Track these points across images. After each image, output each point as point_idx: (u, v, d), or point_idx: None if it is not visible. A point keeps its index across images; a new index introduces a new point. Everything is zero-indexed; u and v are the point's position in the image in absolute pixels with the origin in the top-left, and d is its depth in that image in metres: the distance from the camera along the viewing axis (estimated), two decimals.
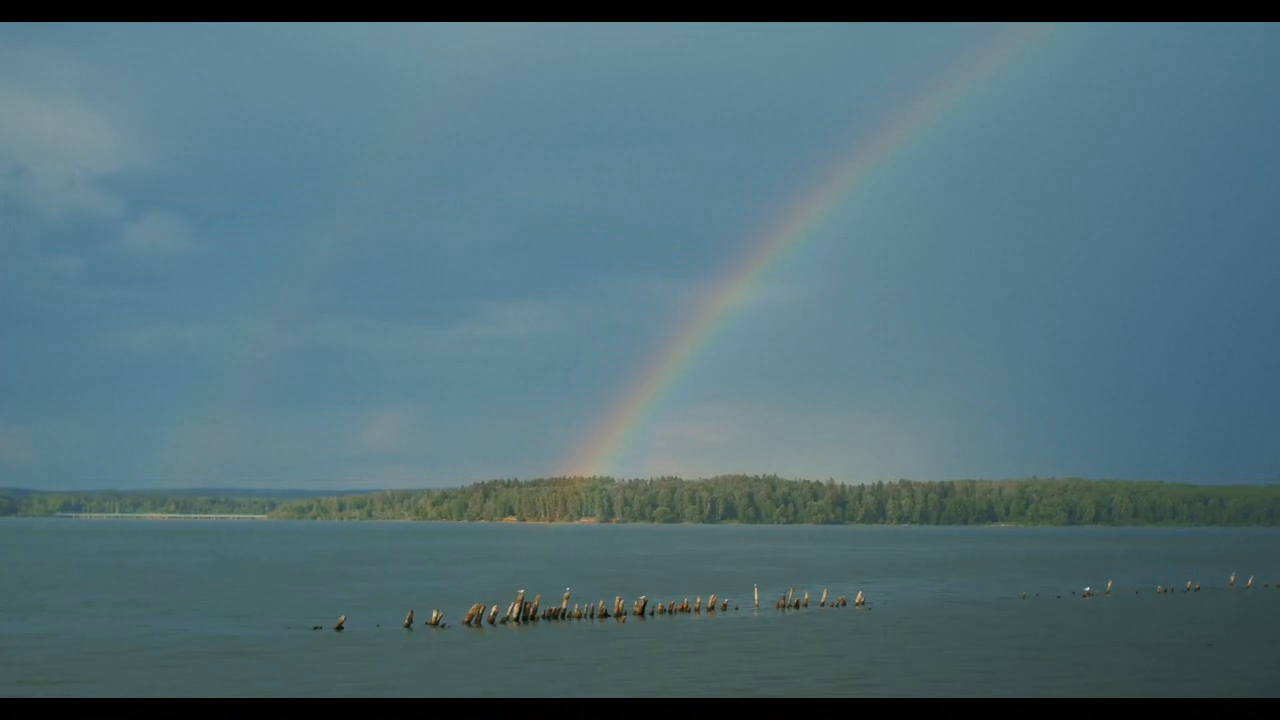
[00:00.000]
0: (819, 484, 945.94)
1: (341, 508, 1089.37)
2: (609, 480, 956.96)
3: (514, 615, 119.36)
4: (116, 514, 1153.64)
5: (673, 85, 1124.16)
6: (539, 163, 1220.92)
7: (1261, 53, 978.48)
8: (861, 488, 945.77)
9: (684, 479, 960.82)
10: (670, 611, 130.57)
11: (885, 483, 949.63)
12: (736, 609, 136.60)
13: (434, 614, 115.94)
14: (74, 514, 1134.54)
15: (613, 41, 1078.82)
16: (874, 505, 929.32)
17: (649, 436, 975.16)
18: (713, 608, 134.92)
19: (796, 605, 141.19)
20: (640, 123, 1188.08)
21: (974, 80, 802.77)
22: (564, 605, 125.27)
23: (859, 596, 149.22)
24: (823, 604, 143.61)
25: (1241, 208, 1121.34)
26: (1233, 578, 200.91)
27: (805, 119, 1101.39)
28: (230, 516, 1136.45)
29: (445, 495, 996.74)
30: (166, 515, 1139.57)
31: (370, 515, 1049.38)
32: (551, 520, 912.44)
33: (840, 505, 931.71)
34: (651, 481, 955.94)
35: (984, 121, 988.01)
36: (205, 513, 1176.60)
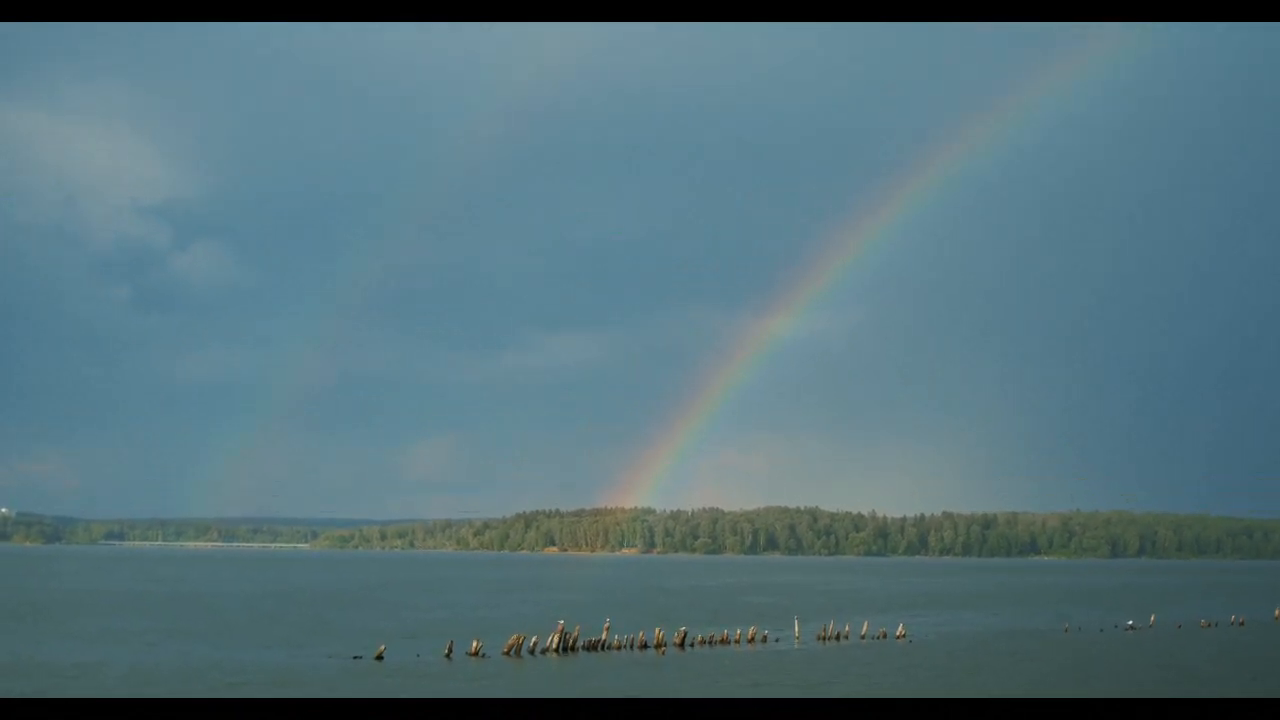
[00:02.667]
0: (861, 515, 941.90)
1: (383, 537, 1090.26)
2: (650, 511, 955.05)
3: (554, 645, 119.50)
4: (160, 542, 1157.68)
5: (720, 112, 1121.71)
6: (586, 191, 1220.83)
7: None
8: (904, 519, 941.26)
9: (725, 510, 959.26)
10: (710, 643, 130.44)
11: (927, 514, 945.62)
12: (777, 641, 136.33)
13: (474, 644, 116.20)
14: (117, 542, 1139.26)
15: (659, 66, 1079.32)
16: (916, 537, 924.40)
17: (691, 467, 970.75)
18: (753, 639, 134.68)
19: (837, 637, 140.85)
20: (682, 149, 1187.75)
21: (1006, 96, 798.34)
22: (604, 636, 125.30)
23: (900, 629, 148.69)
24: (863, 636, 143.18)
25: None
26: (1278, 612, 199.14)
27: (848, 144, 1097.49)
28: (272, 546, 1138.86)
29: (487, 525, 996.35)
30: (209, 544, 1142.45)
31: (412, 545, 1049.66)
32: (593, 551, 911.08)
33: (882, 537, 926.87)
34: (693, 512, 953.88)
35: (1012, 139, 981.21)
36: (248, 541, 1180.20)
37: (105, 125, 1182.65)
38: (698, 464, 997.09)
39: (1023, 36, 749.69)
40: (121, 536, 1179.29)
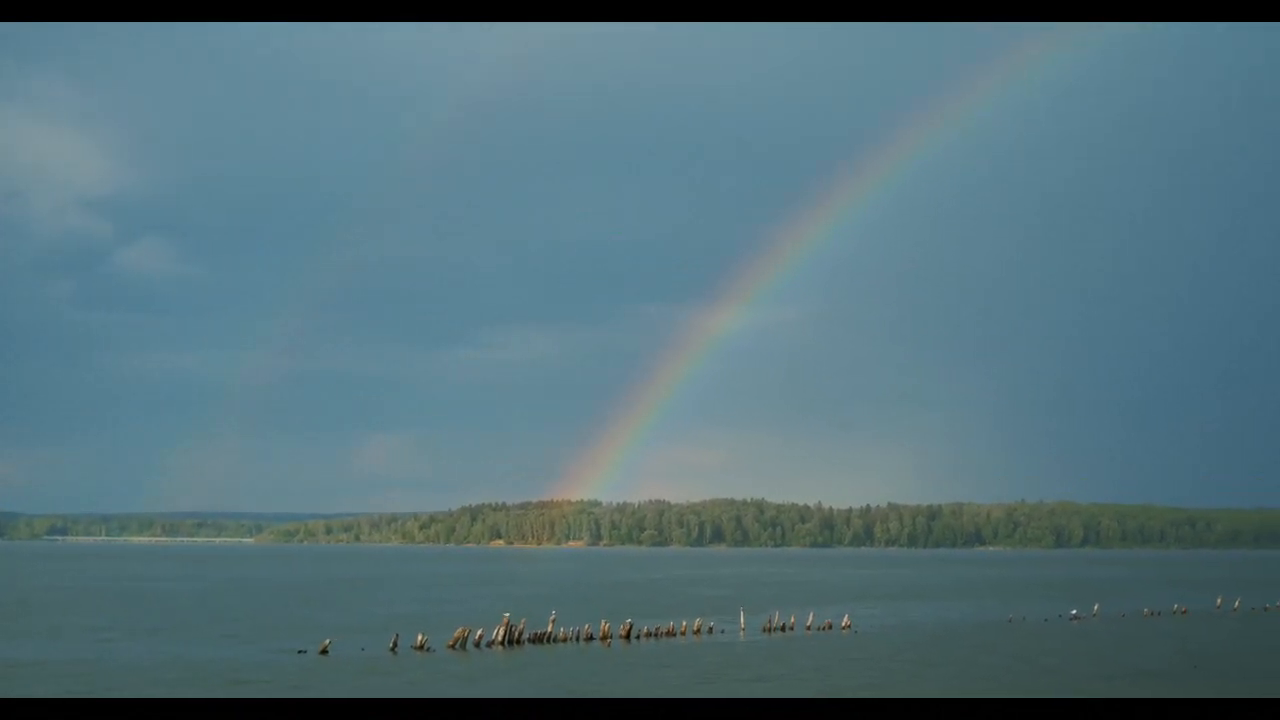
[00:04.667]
0: (806, 507, 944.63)
1: (329, 531, 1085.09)
2: (596, 504, 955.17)
3: (499, 639, 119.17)
4: (103, 537, 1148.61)
5: (672, 104, 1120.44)
6: (541, 189, 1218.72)
7: None
8: (849, 511, 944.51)
9: (671, 502, 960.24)
10: (656, 635, 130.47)
11: (873, 506, 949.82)
12: (723, 633, 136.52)
13: (419, 637, 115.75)
14: (60, 537, 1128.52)
15: (614, 64, 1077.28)
16: (861, 529, 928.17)
17: (639, 460, 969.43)
18: (699, 631, 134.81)
19: (783, 629, 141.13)
20: (639, 146, 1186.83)
21: (975, 91, 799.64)
22: (550, 629, 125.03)
23: (845, 620, 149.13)
24: (809, 628, 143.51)
25: (1246, 231, 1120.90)
26: (1219, 601, 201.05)
27: (810, 134, 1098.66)
28: (216, 540, 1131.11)
29: (433, 519, 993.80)
30: (152, 539, 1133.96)
31: (357, 539, 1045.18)
32: (539, 544, 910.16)
33: (828, 529, 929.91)
34: (639, 505, 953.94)
35: (985, 136, 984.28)
36: (192, 536, 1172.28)
37: (49, 119, 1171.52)
38: (646, 458, 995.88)
39: (1011, 34, 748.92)
40: (64, 532, 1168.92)
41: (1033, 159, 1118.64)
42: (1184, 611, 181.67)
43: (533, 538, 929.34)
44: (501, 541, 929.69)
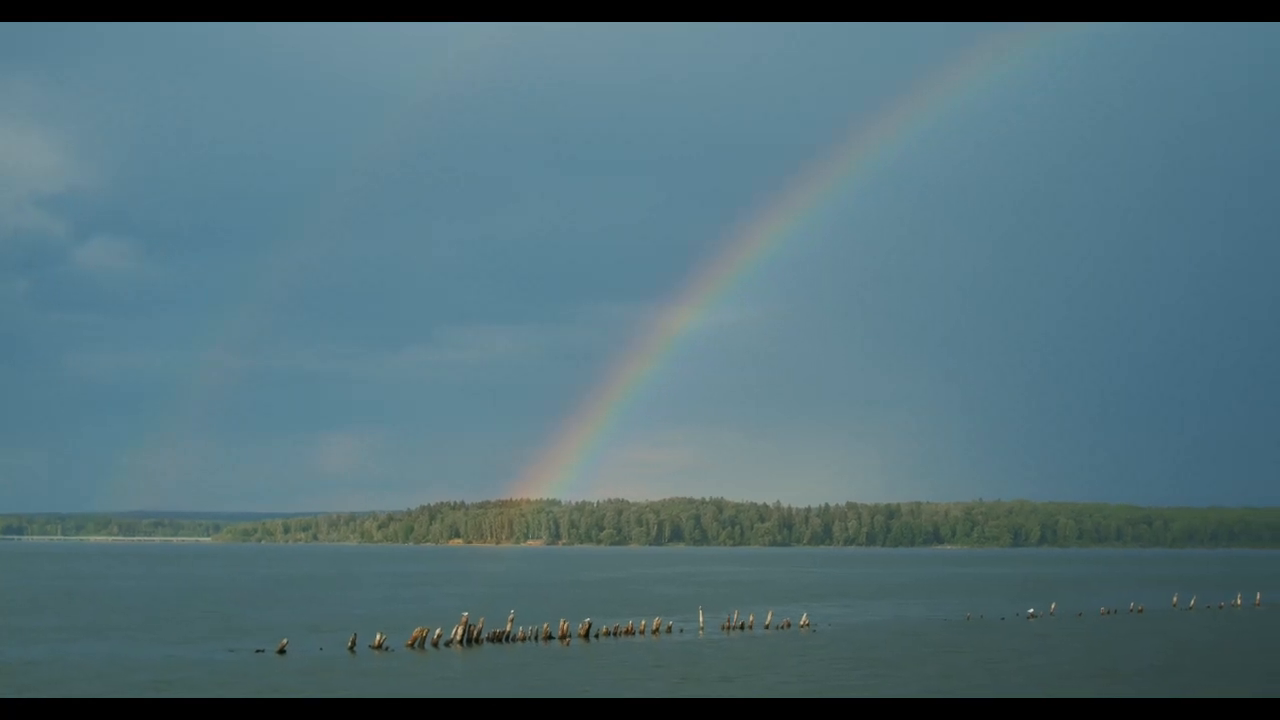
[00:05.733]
0: (765, 506, 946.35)
1: (286, 530, 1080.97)
2: (555, 503, 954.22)
3: (458, 638, 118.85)
4: (59, 537, 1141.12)
5: (634, 105, 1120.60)
6: (496, 186, 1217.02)
7: (1271, 56, 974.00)
8: (808, 510, 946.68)
9: (631, 501, 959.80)
10: (615, 634, 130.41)
11: (832, 505, 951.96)
12: (682, 632, 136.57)
13: (377, 637, 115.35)
14: (15, 537, 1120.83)
15: (574, 64, 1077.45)
16: (820, 527, 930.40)
17: (598, 460, 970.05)
18: (657, 630, 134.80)
19: (741, 627, 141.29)
20: (599, 146, 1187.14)
21: (948, 90, 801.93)
22: (508, 628, 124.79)
23: (804, 619, 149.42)
24: (767, 626, 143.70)
25: (1210, 231, 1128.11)
26: (1175, 599, 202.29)
27: (773, 136, 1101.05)
28: (174, 539, 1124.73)
29: (391, 518, 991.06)
30: (109, 538, 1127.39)
31: (315, 538, 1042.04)
32: (498, 543, 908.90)
33: (786, 528, 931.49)
34: (598, 504, 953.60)
35: (957, 134, 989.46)
36: (149, 535, 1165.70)
37: (6, 115, 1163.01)
38: (605, 457, 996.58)
39: (985, 32, 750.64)
40: (20, 531, 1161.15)
41: (1002, 160, 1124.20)
42: (1140, 610, 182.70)
43: (491, 537, 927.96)
44: (460, 541, 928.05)
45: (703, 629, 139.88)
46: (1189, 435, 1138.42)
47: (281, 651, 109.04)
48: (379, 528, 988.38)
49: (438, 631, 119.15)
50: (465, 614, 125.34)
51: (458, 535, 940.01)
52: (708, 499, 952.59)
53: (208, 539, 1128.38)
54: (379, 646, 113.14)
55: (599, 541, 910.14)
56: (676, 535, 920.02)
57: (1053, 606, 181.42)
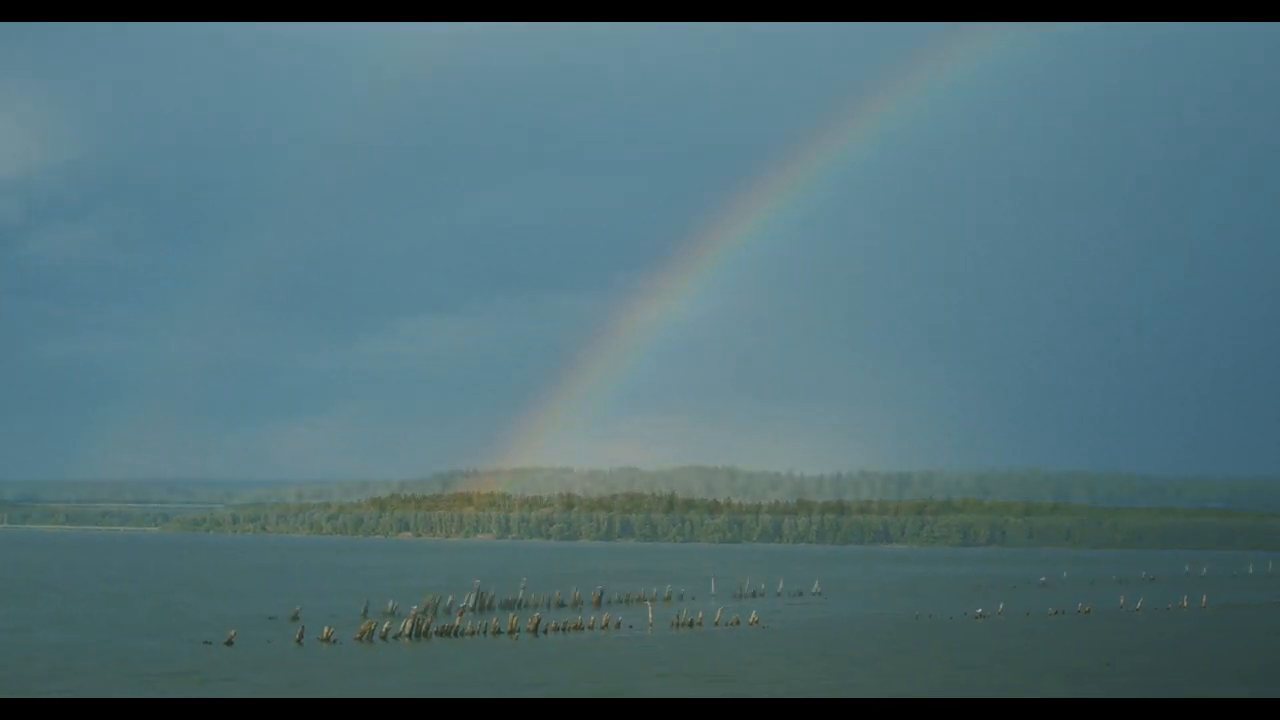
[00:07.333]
0: (716, 503, 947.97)
1: (235, 521, 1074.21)
2: (506, 497, 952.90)
3: (407, 631, 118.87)
4: (4, 525, 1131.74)
5: (598, 100, 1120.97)
6: (461, 177, 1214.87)
7: (1263, 55, 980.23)
8: (759, 507, 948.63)
9: (581, 497, 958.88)
10: (564, 629, 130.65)
11: (781, 502, 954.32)
12: (631, 627, 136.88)
13: (325, 629, 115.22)
14: None
15: (541, 56, 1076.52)
16: (770, 525, 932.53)
17: (548, 455, 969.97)
18: (606, 625, 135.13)
19: (690, 624, 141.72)
20: (564, 140, 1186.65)
21: (933, 85, 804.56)
22: (458, 622, 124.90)
23: (753, 616, 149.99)
24: (717, 623, 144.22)
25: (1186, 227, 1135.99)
26: (1122, 600, 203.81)
27: (743, 137, 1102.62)
28: (121, 529, 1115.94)
29: (340, 510, 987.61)
30: (56, 527, 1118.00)
31: (264, 529, 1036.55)
32: (447, 536, 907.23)
33: (737, 525, 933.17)
34: (549, 499, 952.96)
35: (948, 125, 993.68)
36: (96, 525, 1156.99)
37: None
38: (555, 452, 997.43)
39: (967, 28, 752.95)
40: None
41: (1000, 148, 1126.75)
42: (1088, 610, 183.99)
43: (441, 530, 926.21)
44: (410, 534, 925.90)
45: (652, 625, 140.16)
46: (1203, 406, 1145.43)
47: (229, 643, 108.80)
48: (328, 520, 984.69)
49: (386, 625, 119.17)
50: (415, 608, 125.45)
51: (407, 529, 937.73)
52: (659, 495, 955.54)
53: (156, 529, 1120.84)
54: (328, 639, 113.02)
55: (548, 536, 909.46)
56: (627, 531, 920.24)
57: (1001, 607, 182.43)
